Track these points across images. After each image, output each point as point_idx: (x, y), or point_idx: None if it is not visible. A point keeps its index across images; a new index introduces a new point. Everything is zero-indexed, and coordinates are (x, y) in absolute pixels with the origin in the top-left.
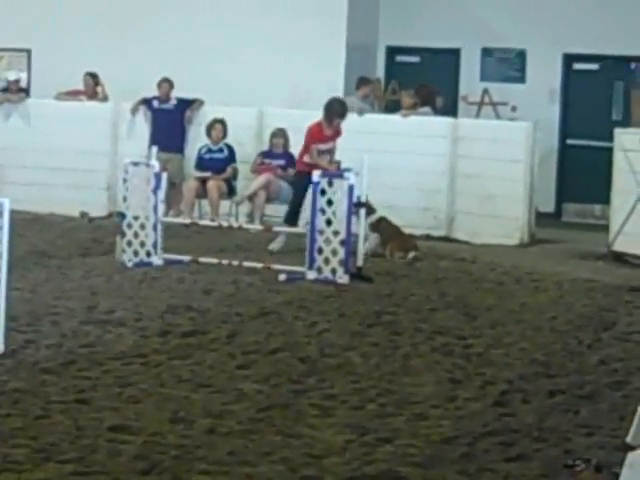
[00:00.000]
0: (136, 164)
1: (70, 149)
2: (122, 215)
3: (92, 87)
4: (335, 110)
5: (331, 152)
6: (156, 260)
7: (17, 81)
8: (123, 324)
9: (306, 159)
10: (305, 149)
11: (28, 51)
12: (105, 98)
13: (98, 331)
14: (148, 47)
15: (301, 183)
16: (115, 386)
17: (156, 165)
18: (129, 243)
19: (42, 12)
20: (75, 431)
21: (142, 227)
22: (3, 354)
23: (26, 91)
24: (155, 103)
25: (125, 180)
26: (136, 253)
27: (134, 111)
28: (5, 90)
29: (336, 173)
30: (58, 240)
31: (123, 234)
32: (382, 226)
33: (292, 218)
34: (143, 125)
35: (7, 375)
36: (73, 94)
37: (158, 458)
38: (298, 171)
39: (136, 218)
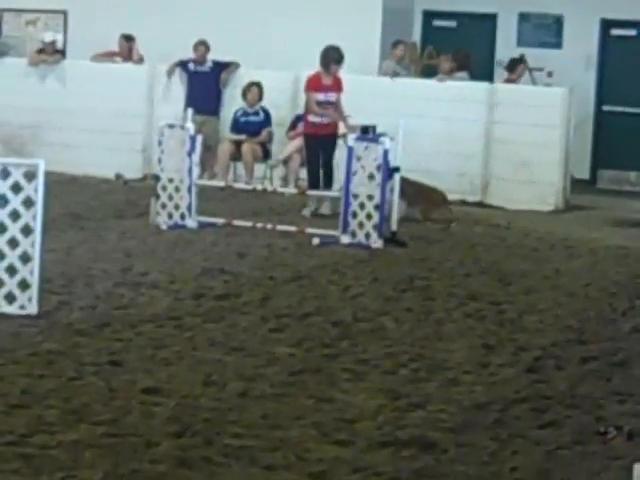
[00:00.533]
0: (171, 126)
1: (106, 111)
2: (157, 177)
3: (126, 49)
4: (331, 56)
5: (335, 106)
6: (190, 223)
7: (53, 42)
8: (157, 286)
9: (311, 118)
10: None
11: (64, 12)
12: (140, 60)
13: (132, 293)
14: (185, 9)
15: (310, 146)
16: (148, 348)
17: (191, 128)
18: (163, 205)
19: None
20: (108, 393)
21: (177, 190)
22: (37, 315)
23: (62, 52)
24: (191, 65)
25: (160, 142)
26: (170, 216)
27: (170, 73)
28: (41, 51)
29: (369, 137)
30: (93, 202)
31: (158, 196)
32: (403, 187)
33: (314, 182)
34: (179, 87)
35: (41, 336)
36: (108, 55)
37: (190, 421)
38: (306, 134)
39: (171, 180)
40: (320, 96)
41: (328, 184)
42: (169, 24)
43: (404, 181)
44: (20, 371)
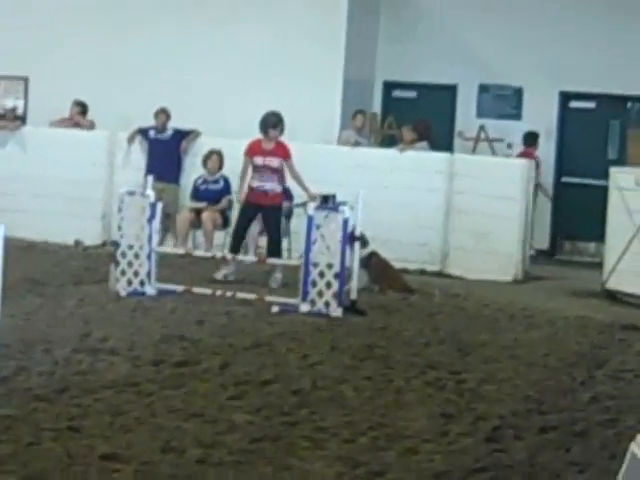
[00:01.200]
0: (131, 193)
1: (66, 177)
2: (116, 244)
3: (75, 114)
4: (269, 121)
5: (278, 172)
6: (149, 290)
7: (14, 109)
8: (116, 353)
9: (251, 182)
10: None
11: (25, 79)
12: (91, 126)
13: (91, 359)
14: (145, 77)
15: (241, 210)
16: (107, 414)
17: (151, 195)
18: (123, 272)
19: (40, 40)
20: (66, 459)
21: (136, 256)
22: None
23: (23, 119)
24: (151, 133)
25: (120, 209)
26: (130, 282)
27: (130, 140)
28: (2, 117)
29: (329, 206)
30: (52, 268)
31: (117, 263)
32: (372, 262)
33: (232, 248)
34: (139, 155)
35: None
36: (63, 122)
37: None
38: (245, 200)
39: (130, 247)
40: (259, 160)
41: (274, 256)
42: (130, 92)
43: (375, 255)
44: None
